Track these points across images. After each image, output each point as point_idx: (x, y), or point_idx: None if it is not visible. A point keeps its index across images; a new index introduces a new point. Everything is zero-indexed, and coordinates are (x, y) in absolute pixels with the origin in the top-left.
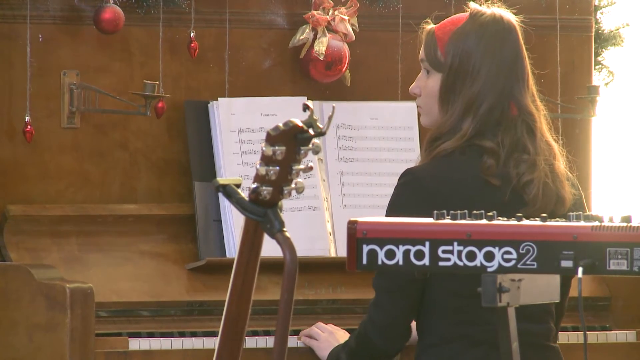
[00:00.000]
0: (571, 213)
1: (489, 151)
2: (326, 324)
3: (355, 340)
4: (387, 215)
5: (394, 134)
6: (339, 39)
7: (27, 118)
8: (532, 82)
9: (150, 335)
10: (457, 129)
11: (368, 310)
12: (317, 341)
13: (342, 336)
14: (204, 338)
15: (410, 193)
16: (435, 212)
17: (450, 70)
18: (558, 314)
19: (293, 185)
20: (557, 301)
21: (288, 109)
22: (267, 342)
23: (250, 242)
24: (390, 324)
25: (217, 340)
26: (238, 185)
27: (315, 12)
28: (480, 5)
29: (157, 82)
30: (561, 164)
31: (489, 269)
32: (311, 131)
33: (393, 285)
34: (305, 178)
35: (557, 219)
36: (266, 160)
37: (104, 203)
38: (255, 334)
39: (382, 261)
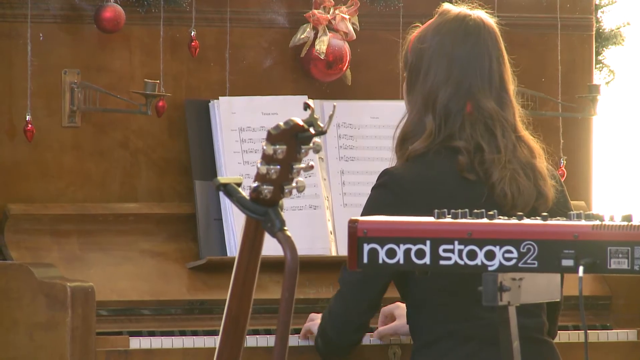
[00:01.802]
0: (572, 212)
1: (462, 150)
2: None
3: (318, 328)
4: (364, 214)
5: None
6: (340, 37)
7: (27, 117)
8: (506, 83)
9: (151, 334)
10: (422, 128)
11: (330, 299)
12: (313, 321)
13: None
14: (205, 337)
15: (388, 192)
16: (436, 211)
17: (409, 69)
18: (556, 309)
19: (294, 184)
20: (558, 300)
21: (289, 108)
22: (268, 341)
23: (251, 241)
24: (346, 317)
25: (217, 339)
26: (239, 184)
27: (316, 11)
28: (462, 6)
29: (158, 81)
30: (543, 162)
31: (489, 268)
32: (312, 130)
33: (357, 280)
34: (306, 177)
35: (555, 217)
36: (267, 159)
37: (104, 202)
38: (256, 332)
39: (383, 260)
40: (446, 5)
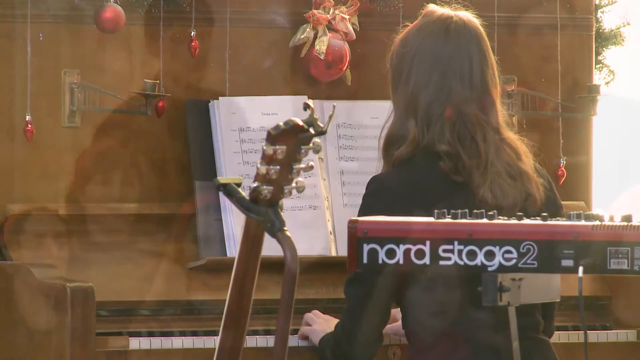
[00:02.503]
0: (571, 212)
1: (444, 156)
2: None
3: (333, 340)
4: None
5: None
6: (340, 38)
7: (27, 117)
8: (488, 85)
9: (151, 334)
10: (405, 132)
11: (341, 315)
12: (311, 327)
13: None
14: (205, 337)
15: (378, 200)
16: (435, 211)
17: (393, 71)
18: (552, 307)
19: (294, 185)
20: (558, 300)
21: (289, 108)
22: (268, 341)
23: (251, 242)
24: (360, 331)
25: (217, 339)
26: (239, 185)
27: (315, 11)
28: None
29: (158, 81)
30: (530, 161)
31: (489, 268)
32: (312, 130)
33: (364, 294)
34: (305, 177)
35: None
36: (267, 159)
37: (104, 202)
38: (255, 333)
39: (383, 260)
40: (431, 6)
